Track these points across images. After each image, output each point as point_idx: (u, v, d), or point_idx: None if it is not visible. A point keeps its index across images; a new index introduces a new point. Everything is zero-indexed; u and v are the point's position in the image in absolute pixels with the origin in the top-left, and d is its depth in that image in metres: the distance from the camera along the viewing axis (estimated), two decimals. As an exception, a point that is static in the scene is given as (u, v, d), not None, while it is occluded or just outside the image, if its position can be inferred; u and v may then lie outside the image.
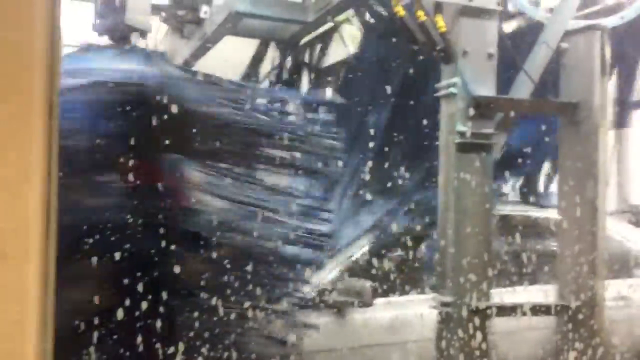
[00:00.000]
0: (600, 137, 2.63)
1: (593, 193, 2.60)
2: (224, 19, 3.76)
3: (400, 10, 2.45)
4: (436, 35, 2.48)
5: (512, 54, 2.67)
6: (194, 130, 2.41)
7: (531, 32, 2.85)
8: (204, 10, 3.95)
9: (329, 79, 4.64)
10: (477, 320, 2.35)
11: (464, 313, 2.39)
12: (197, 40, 4.28)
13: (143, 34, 3.14)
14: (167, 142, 2.30)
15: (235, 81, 2.70)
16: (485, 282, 2.44)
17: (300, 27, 3.93)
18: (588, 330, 2.51)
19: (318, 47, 4.54)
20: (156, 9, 4.22)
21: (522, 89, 2.66)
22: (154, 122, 2.25)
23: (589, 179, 2.62)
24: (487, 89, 2.57)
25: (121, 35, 3.04)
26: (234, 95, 2.57)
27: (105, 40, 3.19)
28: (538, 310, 2.51)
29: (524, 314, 2.45)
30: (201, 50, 4.38)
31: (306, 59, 4.53)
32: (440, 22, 2.47)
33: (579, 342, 2.48)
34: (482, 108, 2.54)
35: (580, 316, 2.50)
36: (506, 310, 2.47)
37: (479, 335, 2.31)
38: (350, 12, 4.19)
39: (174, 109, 2.27)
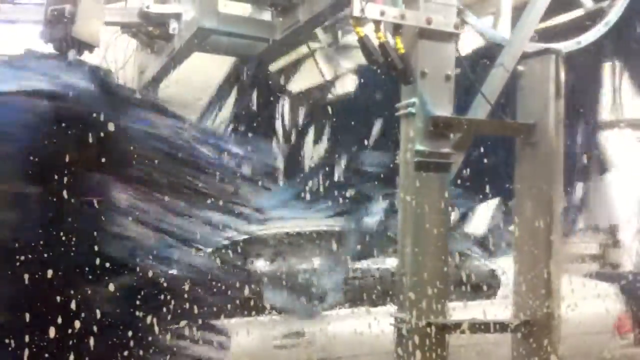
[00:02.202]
0: (556, 157, 2.70)
1: (550, 212, 2.65)
2: (191, 35, 3.79)
3: (360, 32, 2.49)
4: (395, 56, 2.53)
5: (469, 75, 2.73)
6: (124, 152, 2.39)
7: (489, 54, 2.92)
8: (173, 27, 3.98)
9: (302, 105, 4.73)
10: (432, 337, 2.37)
11: (420, 329, 2.42)
12: (166, 55, 4.30)
13: (90, 47, 3.12)
14: (94, 160, 2.27)
15: (175, 113, 2.67)
16: (442, 299, 2.47)
17: (268, 45, 3.97)
18: (542, 346, 2.55)
19: (291, 72, 4.63)
20: (126, 25, 4.24)
21: (480, 110, 2.72)
22: (83, 137, 2.23)
23: (544, 198, 2.68)
24: (445, 109, 2.62)
25: (67, 46, 3.01)
26: (173, 123, 2.58)
27: (50, 49, 3.16)
28: (494, 327, 2.54)
29: (481, 330, 2.48)
30: (170, 66, 4.40)
31: (280, 83, 4.59)
32: (399, 43, 2.52)
33: (539, 355, 2.53)
34: (440, 128, 2.59)
35: (535, 332, 2.55)
36: (461, 327, 2.50)
37: (435, 351, 2.34)
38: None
39: (105, 126, 2.26)
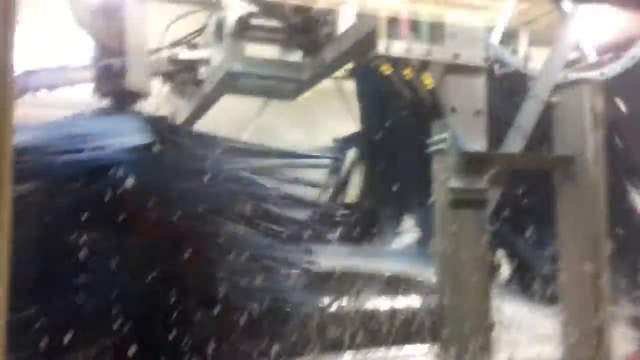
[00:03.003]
0: (597, 189, 2.57)
1: (595, 253, 2.51)
2: (220, 79, 3.82)
3: (386, 69, 2.46)
4: (423, 92, 2.48)
5: (502, 108, 2.66)
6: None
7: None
8: (202, 71, 4.03)
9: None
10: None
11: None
12: (197, 99, 4.34)
13: (142, 97, 3.19)
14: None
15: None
16: (484, 344, 2.34)
17: (296, 84, 3.97)
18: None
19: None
20: (156, 72, 4.32)
21: (514, 144, 2.63)
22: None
23: (588, 231, 2.54)
24: (477, 144, 2.54)
25: (122, 99, 3.08)
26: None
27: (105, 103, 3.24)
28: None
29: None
30: (202, 109, 4.44)
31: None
32: (427, 79, 2.48)
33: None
34: (473, 164, 2.51)
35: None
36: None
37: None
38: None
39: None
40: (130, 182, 2.23)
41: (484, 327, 2.33)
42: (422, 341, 2.85)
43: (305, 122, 5.50)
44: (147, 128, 2.51)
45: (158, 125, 2.60)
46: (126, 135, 2.45)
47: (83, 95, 4.37)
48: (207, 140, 2.79)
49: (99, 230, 2.24)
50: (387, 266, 3.17)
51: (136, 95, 3.12)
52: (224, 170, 2.59)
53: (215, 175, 2.51)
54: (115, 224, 2.23)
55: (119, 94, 3.06)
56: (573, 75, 2.68)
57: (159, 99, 4.83)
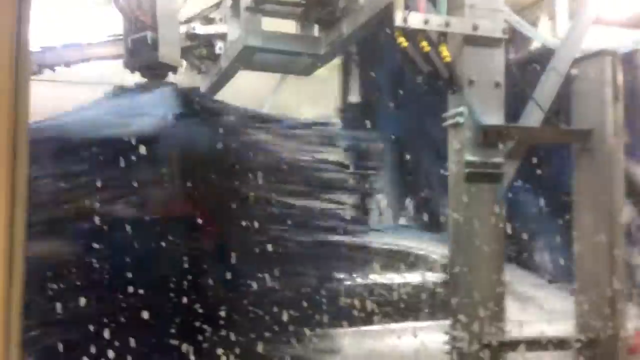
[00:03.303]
0: (616, 165, 2.55)
1: (612, 224, 2.50)
2: (237, 54, 3.82)
3: (403, 42, 2.44)
4: (441, 65, 2.46)
5: (520, 81, 2.63)
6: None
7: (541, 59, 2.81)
8: (219, 46, 4.03)
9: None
10: (488, 357, 2.26)
11: (475, 350, 2.31)
12: (213, 75, 4.36)
13: (174, 69, 3.20)
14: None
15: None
16: (497, 318, 2.35)
17: (312, 59, 3.96)
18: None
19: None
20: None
21: (532, 117, 2.60)
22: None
23: (605, 210, 2.53)
24: (495, 117, 2.52)
25: (155, 72, 3.10)
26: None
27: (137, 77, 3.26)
28: (556, 344, 2.40)
29: (540, 348, 2.35)
30: (218, 84, 4.45)
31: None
32: (445, 51, 2.45)
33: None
34: (490, 137, 2.49)
35: (597, 354, 2.39)
36: (521, 345, 2.37)
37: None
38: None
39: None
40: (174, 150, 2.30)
41: (496, 300, 2.34)
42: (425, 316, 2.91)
43: (322, 98, 5.49)
44: (183, 99, 2.56)
45: (193, 96, 2.65)
46: (165, 107, 2.50)
47: (99, 72, 4.43)
48: (240, 113, 2.82)
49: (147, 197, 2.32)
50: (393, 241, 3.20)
51: (168, 68, 3.13)
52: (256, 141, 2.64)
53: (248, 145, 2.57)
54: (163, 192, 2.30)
55: (150, 67, 3.08)
56: (593, 48, 2.63)
57: (175, 74, 4.86)
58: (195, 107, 2.56)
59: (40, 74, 4.07)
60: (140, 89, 2.93)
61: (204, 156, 2.41)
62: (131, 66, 3.07)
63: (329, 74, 4.98)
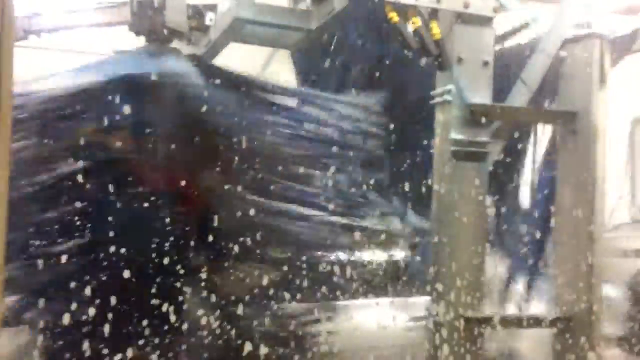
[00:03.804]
0: (599, 146, 2.59)
1: (591, 202, 2.55)
2: (227, 25, 3.78)
3: (394, 17, 2.44)
4: (430, 42, 2.47)
5: (509, 63, 2.65)
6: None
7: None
8: (209, 17, 3.98)
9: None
10: (462, 330, 2.31)
11: (449, 322, 2.36)
12: (202, 47, 4.30)
13: (180, 34, 3.16)
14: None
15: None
16: (476, 292, 2.40)
17: (304, 34, 3.93)
18: (579, 343, 2.45)
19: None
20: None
21: (519, 98, 2.63)
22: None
23: (587, 188, 2.57)
24: (482, 96, 2.54)
25: (158, 35, 3.05)
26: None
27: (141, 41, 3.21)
28: (527, 321, 2.45)
29: (513, 325, 2.40)
30: (208, 56, 4.41)
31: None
32: (435, 28, 2.46)
33: (575, 352, 2.43)
34: (477, 116, 2.52)
35: (572, 328, 2.45)
36: (507, 321, 2.42)
37: (465, 345, 2.28)
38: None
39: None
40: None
41: (475, 273, 2.39)
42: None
43: (313, 74, 5.43)
44: (189, 64, 2.54)
45: (197, 62, 2.64)
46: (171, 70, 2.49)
47: (85, 39, 4.35)
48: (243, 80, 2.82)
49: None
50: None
51: (174, 33, 3.09)
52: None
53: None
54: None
55: (155, 31, 3.03)
56: (581, 30, 2.65)
57: (181, 40, 4.80)
58: (208, 73, 2.55)
59: (25, 39, 4.00)
60: (143, 53, 2.90)
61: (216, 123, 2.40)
62: (136, 29, 3.03)
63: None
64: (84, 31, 3.91)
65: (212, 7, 3.96)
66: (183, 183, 2.32)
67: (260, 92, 2.77)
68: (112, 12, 3.37)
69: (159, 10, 2.89)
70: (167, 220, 2.27)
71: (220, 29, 3.94)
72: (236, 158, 2.49)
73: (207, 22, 4.03)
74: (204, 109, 2.43)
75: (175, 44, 4.76)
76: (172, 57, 2.65)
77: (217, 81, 2.61)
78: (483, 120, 2.49)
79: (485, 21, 2.52)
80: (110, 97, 2.27)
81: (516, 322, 2.41)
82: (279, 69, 5.19)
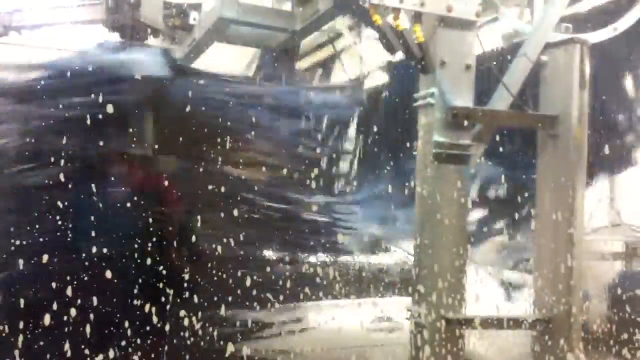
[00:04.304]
0: (579, 150, 2.62)
1: (570, 205, 2.57)
2: (211, 25, 3.78)
3: (378, 19, 2.44)
4: (414, 45, 2.48)
5: (492, 66, 2.67)
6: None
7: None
8: (193, 17, 3.98)
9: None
10: (443, 331, 2.32)
11: (431, 323, 2.37)
12: (186, 46, 4.30)
13: (155, 31, 3.14)
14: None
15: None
16: (457, 293, 2.42)
17: (288, 35, 3.94)
18: (558, 344, 2.48)
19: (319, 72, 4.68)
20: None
21: (501, 101, 2.65)
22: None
23: (566, 192, 2.60)
24: (464, 99, 2.56)
25: (133, 32, 3.03)
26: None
27: (116, 37, 3.19)
28: (507, 323, 2.47)
29: (494, 326, 2.42)
30: (192, 55, 4.40)
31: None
32: (419, 31, 2.47)
33: (555, 354, 2.46)
34: (459, 118, 2.53)
35: (551, 330, 2.48)
36: (473, 322, 2.44)
37: (446, 346, 2.29)
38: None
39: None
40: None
41: (456, 274, 2.40)
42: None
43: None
44: (163, 60, 2.53)
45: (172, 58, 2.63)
46: (147, 66, 2.46)
47: (65, 36, 4.31)
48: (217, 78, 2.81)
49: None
50: None
51: (148, 29, 3.07)
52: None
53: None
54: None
55: (130, 26, 3.01)
56: (563, 36, 2.68)
57: (156, 37, 4.78)
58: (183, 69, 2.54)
59: (5, 35, 3.96)
60: (120, 48, 2.87)
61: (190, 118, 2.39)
62: (110, 25, 3.01)
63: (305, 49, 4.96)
64: (67, 28, 3.89)
65: (197, 7, 3.97)
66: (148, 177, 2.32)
67: (231, 85, 2.76)
68: (93, 9, 3.34)
69: (134, 6, 2.87)
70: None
71: (204, 29, 3.94)
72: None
73: (192, 21, 4.03)
74: (170, 101, 2.42)
75: (159, 42, 4.76)
76: (141, 51, 2.62)
77: (187, 77, 2.60)
78: (465, 123, 2.51)
79: (468, 25, 2.54)
80: (68, 91, 2.26)
81: (496, 324, 2.42)
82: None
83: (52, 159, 2.26)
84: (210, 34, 3.93)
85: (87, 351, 2.13)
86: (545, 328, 2.48)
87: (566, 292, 2.44)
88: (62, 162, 2.26)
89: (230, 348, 2.35)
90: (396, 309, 2.97)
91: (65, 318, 2.10)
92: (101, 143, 2.30)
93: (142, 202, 2.29)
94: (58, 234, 2.26)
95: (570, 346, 2.41)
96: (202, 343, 2.29)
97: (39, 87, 2.32)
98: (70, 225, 2.26)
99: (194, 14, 3.97)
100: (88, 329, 2.09)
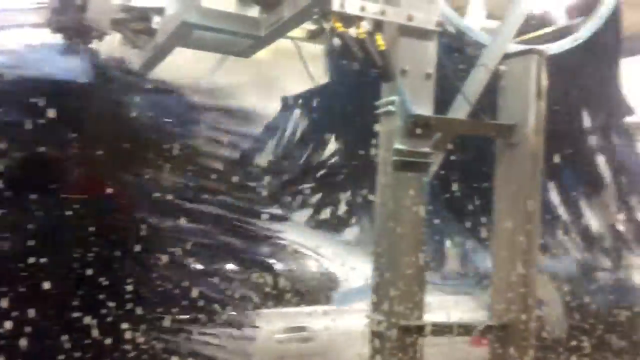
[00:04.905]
0: (535, 159, 2.67)
1: (526, 212, 2.62)
2: (174, 29, 3.73)
3: (339, 27, 2.45)
4: (375, 53, 2.49)
5: (451, 75, 2.71)
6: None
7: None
8: (156, 21, 3.92)
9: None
10: (394, 339, 2.33)
11: (395, 331, 2.37)
12: (149, 51, 4.23)
13: (101, 35, 3.06)
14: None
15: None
16: (416, 301, 2.42)
17: (252, 41, 3.91)
18: (519, 349, 2.51)
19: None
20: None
21: (460, 110, 2.69)
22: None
23: (523, 200, 2.64)
24: (425, 108, 2.58)
25: (78, 34, 2.95)
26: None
27: (59, 38, 3.10)
28: (457, 330, 2.49)
29: (444, 333, 2.43)
30: (154, 61, 4.33)
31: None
32: (380, 40, 2.49)
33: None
34: (420, 127, 2.55)
35: (512, 335, 2.51)
36: (438, 330, 2.45)
37: (397, 355, 2.30)
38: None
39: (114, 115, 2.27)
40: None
41: (413, 283, 2.41)
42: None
43: (262, 82, 5.46)
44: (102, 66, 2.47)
45: (113, 64, 2.56)
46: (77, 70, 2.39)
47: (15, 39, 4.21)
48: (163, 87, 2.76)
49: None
50: None
51: (95, 33, 2.99)
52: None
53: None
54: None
55: (75, 29, 2.93)
56: (521, 46, 2.74)
57: (109, 48, 4.68)
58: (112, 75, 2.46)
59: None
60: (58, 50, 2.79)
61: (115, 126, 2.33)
62: (54, 26, 2.92)
63: (273, 57, 4.95)
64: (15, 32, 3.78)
65: (159, 11, 3.90)
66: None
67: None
68: (40, 12, 3.26)
69: (80, 8, 2.79)
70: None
71: (167, 33, 3.88)
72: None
73: (154, 25, 3.97)
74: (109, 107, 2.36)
75: (121, 47, 4.68)
76: (81, 56, 2.55)
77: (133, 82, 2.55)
78: (421, 131, 2.53)
79: (428, 34, 2.57)
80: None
81: (448, 331, 2.44)
82: (227, 76, 5.16)
83: None
84: (172, 39, 3.87)
85: None
86: (497, 335, 2.51)
87: (519, 300, 2.47)
88: None
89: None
90: (310, 319, 2.89)
91: None
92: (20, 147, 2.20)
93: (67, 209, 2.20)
94: None
95: (521, 353, 2.44)
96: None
97: None
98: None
99: (156, 18, 3.90)
100: (23, 342, 2.00)
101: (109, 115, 2.34)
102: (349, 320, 2.93)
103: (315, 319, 2.95)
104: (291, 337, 2.82)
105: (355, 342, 2.71)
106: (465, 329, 2.49)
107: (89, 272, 2.15)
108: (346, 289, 3.15)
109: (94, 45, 3.16)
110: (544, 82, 2.71)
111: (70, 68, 2.35)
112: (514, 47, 2.78)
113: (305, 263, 3.17)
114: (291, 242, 2.95)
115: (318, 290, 3.06)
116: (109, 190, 2.27)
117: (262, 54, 4.49)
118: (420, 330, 2.37)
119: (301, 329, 2.92)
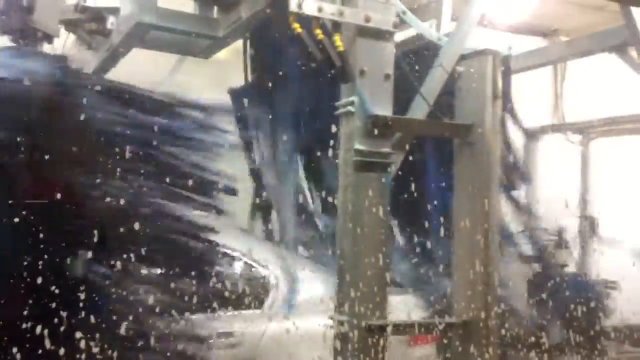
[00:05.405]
0: (492, 157, 2.72)
1: (485, 210, 2.66)
2: (129, 30, 3.66)
3: (297, 27, 2.45)
4: (334, 54, 2.49)
5: (409, 75, 2.73)
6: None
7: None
8: (111, 21, 3.83)
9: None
10: (355, 339, 2.33)
11: (359, 331, 2.38)
12: (104, 51, 4.14)
13: (49, 38, 2.97)
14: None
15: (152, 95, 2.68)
16: (378, 301, 2.43)
17: (210, 41, 3.87)
18: (479, 346, 2.55)
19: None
20: (64, 20, 4.06)
21: (419, 110, 2.71)
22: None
23: (481, 197, 2.69)
24: (384, 108, 2.59)
25: (25, 37, 2.86)
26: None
27: (5, 40, 3.01)
28: (418, 328, 2.51)
29: (405, 332, 2.45)
30: (110, 62, 4.24)
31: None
32: (338, 41, 2.49)
33: (467, 359, 2.52)
34: (379, 127, 2.57)
35: (472, 333, 2.54)
36: (400, 329, 2.47)
37: (358, 356, 2.30)
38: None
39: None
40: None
41: (374, 283, 2.42)
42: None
43: (221, 83, 5.39)
44: (47, 67, 2.40)
45: (59, 65, 2.49)
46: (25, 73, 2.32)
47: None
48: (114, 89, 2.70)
49: None
50: None
51: (42, 35, 2.91)
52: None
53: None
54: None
55: (22, 31, 2.84)
56: (476, 46, 2.79)
57: (64, 49, 4.56)
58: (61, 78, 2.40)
59: None
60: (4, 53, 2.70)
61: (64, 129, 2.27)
62: (2, 28, 2.83)
63: (233, 57, 4.90)
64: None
65: (114, 11, 3.82)
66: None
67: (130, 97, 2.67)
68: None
69: (26, 10, 2.72)
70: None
71: (122, 34, 3.80)
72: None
73: (109, 25, 3.88)
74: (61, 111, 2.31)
75: (76, 47, 4.56)
76: (29, 58, 2.49)
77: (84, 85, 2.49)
78: (381, 131, 2.54)
79: (386, 35, 2.58)
80: None
81: (408, 329, 2.46)
82: (187, 76, 5.08)
83: None
84: (128, 40, 3.80)
85: None
86: (457, 333, 2.54)
87: (479, 298, 2.51)
88: None
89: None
90: (238, 324, 2.86)
91: None
92: None
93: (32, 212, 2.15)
94: None
95: (480, 351, 2.48)
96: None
97: None
98: None
99: (111, 18, 3.82)
100: None
101: (58, 118, 2.28)
102: (280, 325, 2.90)
103: (244, 323, 2.89)
104: (218, 343, 2.75)
105: (287, 346, 2.74)
106: (426, 328, 2.52)
107: (40, 279, 2.09)
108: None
109: (46, 47, 3.08)
110: (499, 81, 2.77)
111: (18, 71, 2.27)
112: (470, 48, 2.83)
113: (236, 266, 3.12)
114: (223, 245, 2.90)
115: (248, 295, 2.99)
116: (60, 195, 2.20)
117: (222, 54, 4.45)
118: (382, 330, 2.38)
119: (228, 334, 2.86)
